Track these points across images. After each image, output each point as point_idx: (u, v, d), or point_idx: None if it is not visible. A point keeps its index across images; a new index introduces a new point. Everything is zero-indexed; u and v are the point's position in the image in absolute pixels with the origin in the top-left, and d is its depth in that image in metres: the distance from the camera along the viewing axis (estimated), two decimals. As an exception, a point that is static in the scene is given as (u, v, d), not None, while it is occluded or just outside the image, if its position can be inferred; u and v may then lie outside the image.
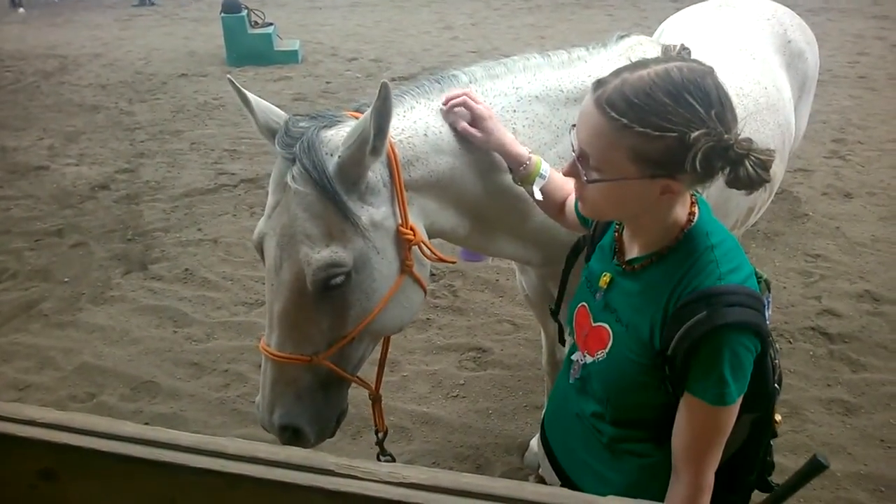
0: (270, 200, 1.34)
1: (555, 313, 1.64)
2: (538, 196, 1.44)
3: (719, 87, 1.02)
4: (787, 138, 2.23)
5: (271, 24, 8.96)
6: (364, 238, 1.30)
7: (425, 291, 1.48)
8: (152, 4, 13.83)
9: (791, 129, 2.28)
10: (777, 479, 1.24)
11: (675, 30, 2.51)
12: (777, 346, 1.25)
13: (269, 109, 1.42)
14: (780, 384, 1.23)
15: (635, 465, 1.22)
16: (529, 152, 1.45)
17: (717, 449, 1.08)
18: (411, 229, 1.37)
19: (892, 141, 5.47)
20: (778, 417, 1.24)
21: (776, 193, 2.97)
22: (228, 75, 1.61)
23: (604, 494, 0.69)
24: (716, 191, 1.62)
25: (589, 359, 1.23)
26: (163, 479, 0.72)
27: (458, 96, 1.45)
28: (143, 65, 8.68)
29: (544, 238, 1.66)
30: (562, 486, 1.34)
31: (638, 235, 1.18)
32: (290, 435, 1.39)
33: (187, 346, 3.25)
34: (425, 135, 1.44)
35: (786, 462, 2.32)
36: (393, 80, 6.93)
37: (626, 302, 1.17)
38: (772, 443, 1.29)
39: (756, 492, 1.29)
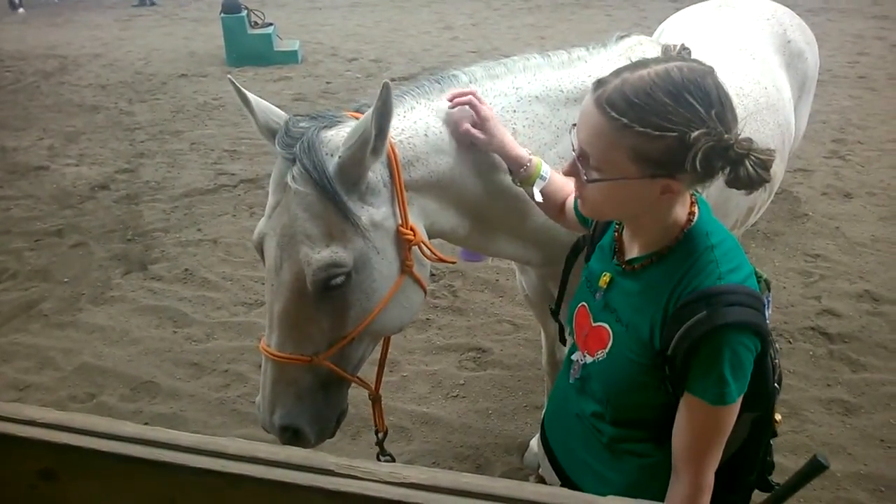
0: (270, 201, 1.34)
1: (555, 313, 1.64)
2: (538, 198, 1.44)
3: (719, 87, 1.02)
4: (787, 138, 2.23)
5: (271, 24, 8.95)
6: (364, 238, 1.30)
7: (425, 292, 1.48)
8: (152, 4, 13.82)
9: (791, 128, 2.28)
10: (777, 479, 1.24)
11: (674, 30, 2.51)
12: (777, 345, 1.25)
13: (269, 110, 1.42)
14: (780, 384, 1.23)
15: (635, 465, 1.22)
16: (530, 154, 1.45)
17: (718, 449, 1.08)
18: (411, 229, 1.37)
19: (892, 141, 5.47)
20: (778, 417, 1.24)
21: (776, 193, 2.97)
22: (229, 75, 1.61)
23: (604, 494, 0.69)
24: (716, 191, 1.62)
25: (589, 359, 1.23)
26: (163, 479, 0.72)
27: (465, 95, 1.45)
28: (142, 65, 8.68)
29: (544, 238, 1.66)
30: (562, 486, 1.34)
31: (638, 235, 1.18)
32: (291, 435, 1.39)
33: (187, 346, 3.25)
34: (425, 135, 1.44)
35: (786, 462, 2.32)
36: (393, 80, 6.92)
37: (626, 302, 1.17)
38: (772, 442, 1.29)
39: (756, 492, 1.29)
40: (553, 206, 1.47)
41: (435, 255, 1.43)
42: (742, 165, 0.99)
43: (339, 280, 1.29)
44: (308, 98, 7.03)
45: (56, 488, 0.76)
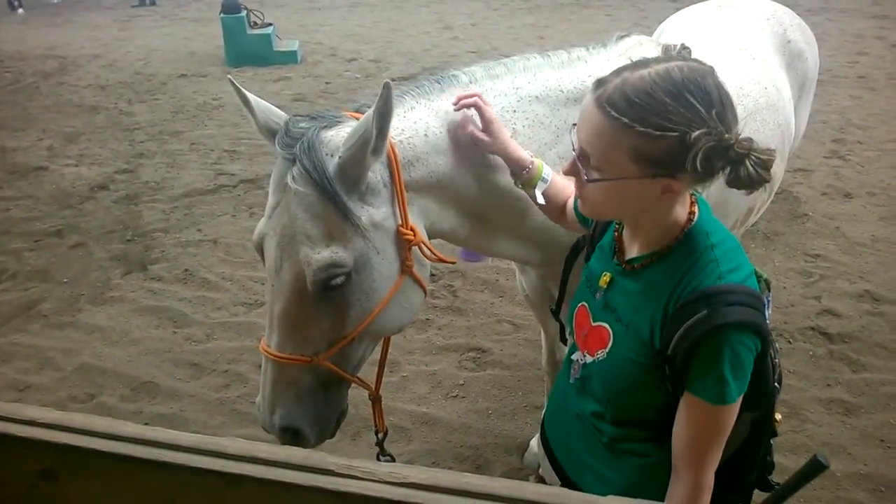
0: (270, 201, 1.34)
1: (556, 313, 1.64)
2: (540, 200, 1.44)
3: (720, 87, 1.02)
4: (787, 138, 2.23)
5: (270, 24, 8.95)
6: (364, 238, 1.30)
7: (425, 292, 1.48)
8: (152, 5, 13.81)
9: (791, 128, 2.28)
10: (777, 478, 1.24)
11: (674, 30, 2.51)
12: (777, 345, 1.25)
13: (269, 110, 1.42)
14: (780, 384, 1.23)
15: (635, 464, 1.22)
16: (531, 156, 1.45)
17: (718, 448, 1.08)
18: (411, 230, 1.37)
19: (891, 141, 5.47)
20: (778, 417, 1.24)
21: (776, 193, 2.97)
22: (228, 75, 1.61)
23: (604, 494, 0.69)
24: (716, 190, 1.62)
25: (589, 358, 1.23)
26: (163, 479, 0.72)
27: (470, 96, 1.44)
28: (142, 65, 8.68)
29: (544, 238, 1.66)
30: (562, 485, 1.34)
31: (638, 235, 1.18)
32: (291, 436, 1.39)
33: (187, 346, 3.25)
34: (426, 135, 1.44)
35: (786, 462, 2.32)
36: (392, 80, 6.90)
37: (626, 301, 1.17)
38: (772, 442, 1.29)
39: (756, 491, 1.30)
40: (554, 208, 1.47)
41: (435, 255, 1.43)
42: (742, 165, 0.99)
43: (339, 280, 1.29)
44: (307, 98, 7.03)
45: (56, 488, 0.76)
